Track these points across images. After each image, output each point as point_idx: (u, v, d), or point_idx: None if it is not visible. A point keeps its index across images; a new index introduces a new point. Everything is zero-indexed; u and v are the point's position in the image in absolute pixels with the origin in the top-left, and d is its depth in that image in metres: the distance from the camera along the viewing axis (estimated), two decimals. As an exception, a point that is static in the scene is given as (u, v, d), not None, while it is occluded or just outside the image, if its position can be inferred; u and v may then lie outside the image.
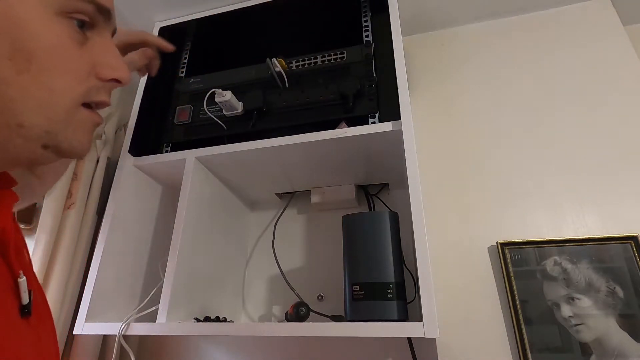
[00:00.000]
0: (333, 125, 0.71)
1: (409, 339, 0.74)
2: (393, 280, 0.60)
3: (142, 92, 0.87)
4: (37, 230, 0.82)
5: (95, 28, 0.33)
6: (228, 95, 0.73)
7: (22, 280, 0.33)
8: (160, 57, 0.69)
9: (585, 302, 0.70)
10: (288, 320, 0.74)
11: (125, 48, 0.66)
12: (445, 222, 0.84)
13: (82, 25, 0.32)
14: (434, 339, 0.73)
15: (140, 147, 0.82)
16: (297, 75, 0.77)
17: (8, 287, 0.31)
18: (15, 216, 0.34)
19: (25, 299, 0.32)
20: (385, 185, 0.92)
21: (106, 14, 0.34)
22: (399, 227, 0.66)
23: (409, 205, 0.58)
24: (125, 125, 1.05)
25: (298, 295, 0.82)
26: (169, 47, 0.68)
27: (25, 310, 0.32)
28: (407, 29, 1.06)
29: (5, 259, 0.32)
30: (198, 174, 0.77)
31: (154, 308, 0.68)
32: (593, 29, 0.95)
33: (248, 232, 1.01)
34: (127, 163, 0.80)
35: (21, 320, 0.32)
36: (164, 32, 0.96)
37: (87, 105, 0.34)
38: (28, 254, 0.37)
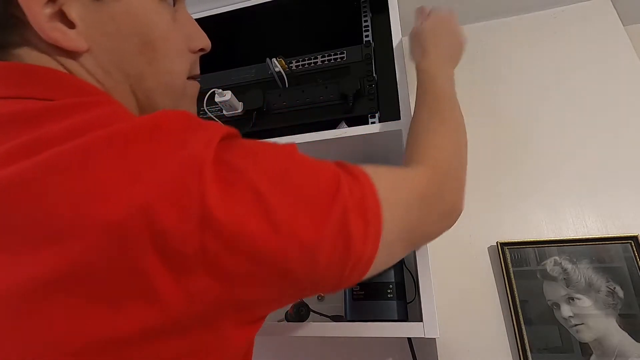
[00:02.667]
0: (333, 125, 0.71)
1: (409, 339, 0.74)
2: (393, 280, 0.60)
3: (142, 92, 0.87)
4: (37, 230, 0.82)
5: (177, 2, 0.35)
6: (228, 95, 0.73)
7: None
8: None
9: (585, 302, 0.70)
10: (288, 320, 0.74)
11: None
12: (445, 222, 0.84)
13: (172, 3, 0.34)
14: (434, 339, 0.73)
15: (140, 147, 0.82)
16: (297, 75, 0.77)
17: None
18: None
19: None
20: (385, 185, 0.92)
21: None
22: (399, 227, 0.65)
23: (409, 205, 0.57)
24: (125, 125, 1.05)
25: (298, 295, 0.82)
26: None
27: None
28: (407, 29, 1.06)
29: None
30: (198, 174, 0.77)
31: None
32: (593, 29, 0.95)
33: (248, 232, 1.00)
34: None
35: None
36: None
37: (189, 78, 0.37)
38: None
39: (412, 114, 0.54)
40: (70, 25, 0.28)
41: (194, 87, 0.38)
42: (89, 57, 0.29)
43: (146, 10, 0.31)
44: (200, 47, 0.37)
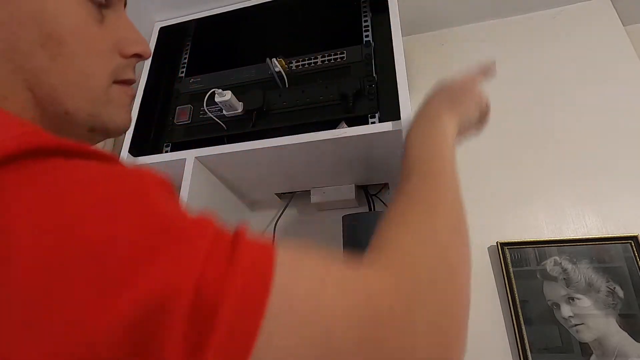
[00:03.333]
0: (333, 125, 0.71)
1: (409, 339, 0.74)
2: (393, 280, 0.60)
3: (142, 92, 0.87)
4: (37, 230, 0.82)
5: (110, 6, 0.34)
6: (228, 95, 0.73)
7: None
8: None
9: (585, 302, 0.70)
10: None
11: None
12: (445, 222, 0.84)
13: (99, 5, 0.32)
14: (434, 339, 0.73)
15: (140, 147, 0.82)
16: (297, 75, 0.77)
17: None
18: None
19: None
20: (385, 185, 0.92)
21: None
22: (399, 227, 0.65)
23: (409, 205, 0.57)
24: (125, 125, 1.05)
25: (298, 295, 0.82)
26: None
27: None
28: (407, 29, 1.06)
29: None
30: (198, 174, 0.77)
31: (154, 308, 0.68)
32: (593, 29, 0.95)
33: (248, 232, 1.00)
34: (127, 163, 0.80)
35: None
36: (164, 32, 0.96)
37: (117, 83, 0.35)
38: None
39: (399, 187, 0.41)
40: None
41: (122, 92, 0.35)
42: None
43: (56, 3, 0.29)
44: (134, 52, 0.35)
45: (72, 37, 0.30)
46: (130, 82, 0.36)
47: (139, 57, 0.36)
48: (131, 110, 0.37)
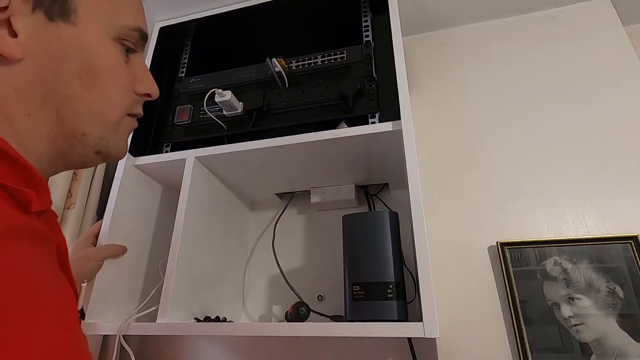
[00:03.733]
0: (333, 125, 0.71)
1: (409, 339, 0.74)
2: (393, 280, 0.60)
3: (142, 92, 0.87)
4: (37, 230, 0.82)
5: (134, 52, 0.39)
6: (228, 95, 0.73)
7: (85, 284, 0.36)
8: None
9: (585, 302, 0.70)
10: (288, 320, 0.74)
11: (94, 239, 0.73)
12: (445, 222, 0.84)
13: (128, 49, 0.38)
14: (434, 339, 0.73)
15: (140, 147, 0.82)
16: (297, 75, 0.77)
17: (74, 297, 0.34)
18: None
19: (81, 304, 0.35)
20: (385, 185, 0.92)
21: (145, 39, 0.40)
22: (399, 227, 0.66)
23: (409, 205, 0.58)
24: (125, 125, 1.05)
25: (298, 295, 0.82)
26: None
27: (81, 315, 0.34)
28: (407, 29, 1.06)
29: (65, 271, 0.34)
30: (198, 174, 0.77)
31: (154, 308, 0.68)
32: (593, 29, 0.95)
33: (248, 232, 1.01)
34: (127, 163, 0.80)
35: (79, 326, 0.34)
36: (164, 32, 0.96)
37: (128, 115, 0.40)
38: None
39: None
40: (13, 34, 0.30)
41: (131, 124, 0.41)
42: (19, 66, 0.31)
43: (97, 42, 0.34)
44: (145, 92, 0.40)
45: (106, 73, 0.35)
46: (138, 115, 0.41)
47: (149, 97, 0.41)
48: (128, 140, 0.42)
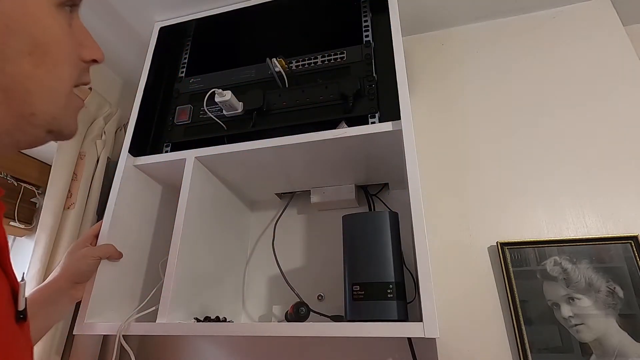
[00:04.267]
0: (333, 125, 0.71)
1: (409, 339, 0.74)
2: (393, 280, 0.60)
3: (142, 92, 0.87)
4: (37, 230, 0.82)
5: (74, 9, 0.35)
6: (228, 95, 0.73)
7: (24, 283, 0.34)
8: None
9: (585, 302, 0.70)
10: (288, 320, 0.74)
11: (93, 240, 0.72)
12: (445, 222, 0.84)
13: (71, 6, 0.34)
14: (434, 339, 0.73)
15: (140, 147, 0.82)
16: (297, 75, 0.77)
17: (7, 294, 0.32)
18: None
19: (22, 304, 0.33)
20: (385, 185, 0.92)
21: None
22: (399, 227, 0.66)
23: (409, 205, 0.58)
24: (125, 125, 1.05)
25: (298, 295, 0.82)
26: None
27: (20, 316, 0.32)
28: (407, 29, 1.06)
29: (2, 265, 0.32)
30: (198, 174, 0.77)
31: (154, 308, 0.68)
32: (593, 29, 0.95)
33: (248, 232, 1.01)
34: (127, 163, 0.80)
35: (16, 327, 0.32)
36: (164, 32, 0.96)
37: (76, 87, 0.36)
38: None
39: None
40: None
41: (78, 101, 0.37)
42: None
43: (42, 12, 0.31)
44: (92, 58, 0.37)
45: (54, 46, 0.32)
46: (87, 84, 0.38)
47: (96, 62, 0.37)
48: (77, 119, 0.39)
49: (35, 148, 0.96)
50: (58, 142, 0.87)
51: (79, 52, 0.35)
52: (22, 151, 0.98)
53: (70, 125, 0.36)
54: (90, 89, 0.98)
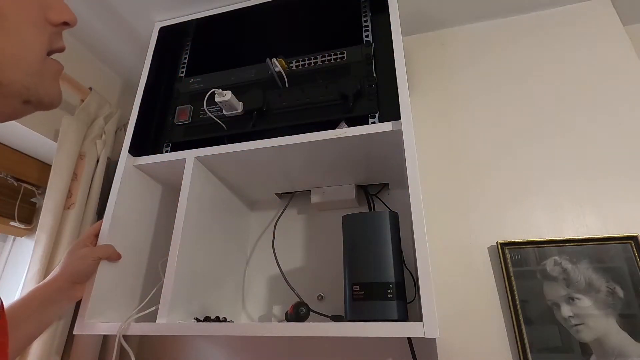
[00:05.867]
0: (333, 125, 0.71)
1: (409, 339, 0.74)
2: (393, 280, 0.60)
3: (142, 92, 0.87)
4: (37, 230, 0.82)
5: None
6: (228, 95, 0.73)
7: None
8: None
9: (585, 302, 0.70)
10: (288, 320, 0.74)
11: (93, 239, 0.72)
12: (445, 222, 0.84)
13: None
14: (434, 339, 0.73)
15: (140, 147, 0.82)
16: (297, 75, 0.77)
17: None
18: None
19: None
20: (385, 185, 0.92)
21: None
22: (399, 227, 0.66)
23: (409, 205, 0.58)
24: (125, 125, 1.05)
25: (298, 295, 0.82)
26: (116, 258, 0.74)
27: None
28: (407, 29, 1.06)
29: None
30: (198, 174, 0.77)
31: (154, 308, 0.68)
32: (593, 29, 0.95)
33: (248, 232, 1.01)
34: (127, 163, 0.80)
35: None
36: (164, 32, 0.96)
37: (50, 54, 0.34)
38: None
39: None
40: None
41: (56, 65, 0.35)
42: None
43: None
44: (63, 21, 0.34)
45: (12, 9, 0.30)
46: (61, 50, 0.36)
47: (67, 25, 0.35)
48: (59, 85, 0.36)
49: (35, 148, 0.96)
50: (57, 141, 0.88)
51: (45, 15, 0.33)
52: (22, 151, 0.98)
53: (50, 93, 0.34)
54: (90, 88, 0.98)
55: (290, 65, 0.78)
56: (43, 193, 0.85)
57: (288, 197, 0.98)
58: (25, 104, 0.32)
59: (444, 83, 1.00)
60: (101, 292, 0.70)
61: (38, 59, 0.32)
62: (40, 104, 0.33)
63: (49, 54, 0.34)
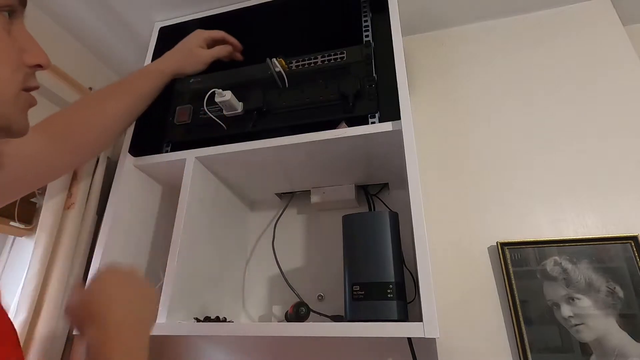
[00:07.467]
0: (333, 125, 0.71)
1: (409, 339, 0.74)
2: (393, 280, 0.60)
3: (142, 92, 0.87)
4: (37, 230, 0.82)
5: (14, 16, 0.36)
6: (228, 95, 0.73)
7: None
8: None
9: (585, 302, 0.70)
10: (288, 320, 0.74)
11: (210, 42, 0.78)
12: (445, 222, 0.84)
13: (10, 12, 0.35)
14: (434, 339, 0.73)
15: (140, 147, 0.82)
16: (297, 75, 0.76)
17: None
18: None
19: None
20: (385, 185, 0.92)
21: (24, 3, 0.37)
22: (399, 227, 0.66)
23: (409, 205, 0.58)
24: (125, 125, 1.05)
25: (298, 295, 0.82)
26: (238, 53, 0.79)
27: None
28: (407, 29, 1.06)
29: None
30: (198, 174, 0.77)
31: (154, 308, 0.68)
32: (593, 29, 0.95)
33: (248, 232, 1.00)
34: (127, 163, 0.80)
35: None
36: (164, 32, 0.96)
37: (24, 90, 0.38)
38: None
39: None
40: None
41: (29, 99, 0.38)
42: None
43: None
44: (36, 63, 0.38)
45: None
46: (34, 89, 0.39)
47: (40, 67, 0.39)
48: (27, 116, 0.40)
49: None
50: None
51: (21, 57, 0.36)
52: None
53: (20, 122, 0.37)
54: (90, 88, 0.98)
55: (290, 65, 0.78)
56: (43, 193, 0.85)
57: (288, 197, 0.98)
58: None
59: (444, 83, 1.00)
60: (101, 292, 0.70)
61: (12, 93, 0.35)
62: (9, 132, 0.36)
63: (25, 90, 0.38)
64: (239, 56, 0.82)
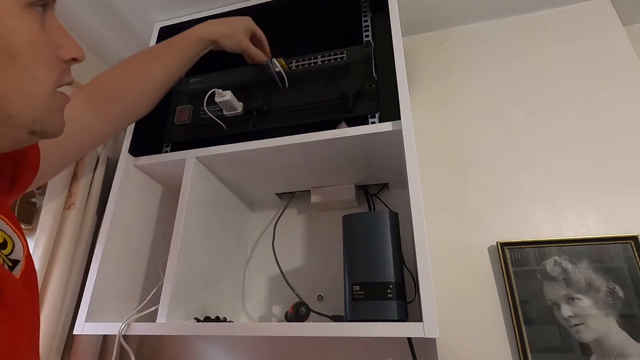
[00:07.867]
0: (333, 125, 0.71)
1: (409, 339, 0.74)
2: (393, 280, 0.60)
3: (142, 92, 0.87)
4: (37, 230, 0.82)
5: (47, 9, 0.35)
6: (228, 95, 0.73)
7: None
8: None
9: (585, 302, 0.70)
10: (288, 320, 0.74)
11: (252, 35, 0.77)
12: (445, 222, 0.84)
13: (43, 6, 0.34)
14: (434, 339, 0.73)
15: (140, 147, 0.82)
16: (297, 75, 0.77)
17: None
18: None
19: (16, 254, 0.36)
20: (385, 185, 0.92)
21: None
22: (399, 227, 0.66)
23: (409, 205, 0.58)
24: (125, 125, 1.05)
25: (298, 295, 0.82)
26: (264, 56, 0.78)
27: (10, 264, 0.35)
28: (407, 29, 1.06)
29: None
30: (198, 174, 0.77)
31: (154, 308, 0.68)
32: (593, 29, 0.95)
33: (248, 232, 1.00)
34: (127, 163, 0.80)
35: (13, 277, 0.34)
36: (164, 32, 0.96)
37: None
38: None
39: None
40: None
41: (63, 99, 0.37)
42: None
43: (7, 15, 0.31)
44: (72, 57, 0.36)
45: (24, 49, 0.31)
46: (70, 83, 0.38)
47: (76, 61, 0.37)
48: (63, 115, 0.38)
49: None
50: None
51: (56, 53, 0.35)
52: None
53: (55, 124, 0.36)
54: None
55: (290, 65, 0.78)
56: (43, 193, 0.85)
57: (288, 197, 0.98)
58: (31, 134, 0.34)
59: (444, 83, 1.00)
60: (101, 292, 0.70)
61: (47, 94, 0.34)
62: (44, 134, 0.35)
63: (58, 87, 0.36)
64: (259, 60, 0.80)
